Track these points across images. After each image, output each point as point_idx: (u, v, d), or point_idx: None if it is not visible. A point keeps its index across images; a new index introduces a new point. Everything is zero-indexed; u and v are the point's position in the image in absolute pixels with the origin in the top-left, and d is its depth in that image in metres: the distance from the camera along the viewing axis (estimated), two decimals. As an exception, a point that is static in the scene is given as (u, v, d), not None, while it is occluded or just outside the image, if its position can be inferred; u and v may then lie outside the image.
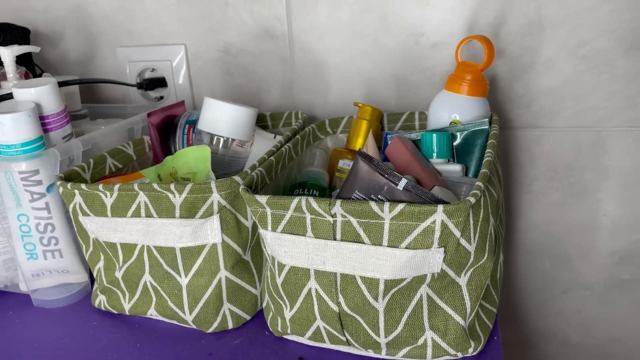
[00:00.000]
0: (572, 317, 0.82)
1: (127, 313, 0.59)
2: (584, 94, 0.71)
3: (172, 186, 0.50)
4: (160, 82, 0.85)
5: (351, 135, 0.67)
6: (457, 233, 0.43)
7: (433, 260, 0.43)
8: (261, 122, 0.76)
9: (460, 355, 0.48)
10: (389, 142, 0.55)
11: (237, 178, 0.51)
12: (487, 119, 0.56)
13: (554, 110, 0.73)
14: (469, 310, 0.47)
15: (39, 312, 0.62)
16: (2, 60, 0.67)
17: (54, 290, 0.64)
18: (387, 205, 0.42)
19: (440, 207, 0.41)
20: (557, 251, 0.79)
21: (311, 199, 0.44)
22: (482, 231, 0.46)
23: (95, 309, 0.62)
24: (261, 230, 0.48)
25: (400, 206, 0.41)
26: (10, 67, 0.68)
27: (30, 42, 0.80)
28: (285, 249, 0.47)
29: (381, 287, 0.45)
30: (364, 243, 0.44)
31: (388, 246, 0.43)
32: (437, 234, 0.42)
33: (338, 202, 0.43)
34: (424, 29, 0.73)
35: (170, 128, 0.72)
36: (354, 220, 0.44)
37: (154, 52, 0.84)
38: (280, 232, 0.47)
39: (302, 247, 0.46)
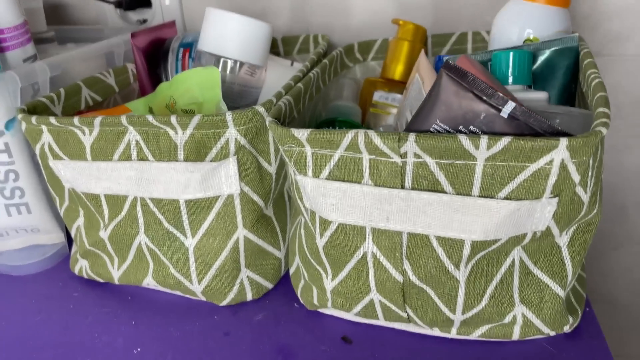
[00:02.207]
0: (621, 277, 0.73)
1: (116, 282, 0.47)
2: (661, 15, 0.59)
3: (173, 119, 0.38)
4: (143, 1, 0.70)
5: (389, 60, 0.54)
6: (577, 177, 0.31)
7: (541, 214, 0.32)
8: (272, 48, 0.62)
9: (553, 333, 0.38)
10: (452, 63, 0.42)
11: (259, 108, 0.39)
12: (576, 34, 0.44)
13: (624, 35, 0.61)
14: (570, 277, 0.36)
15: (4, 280, 0.50)
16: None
17: (22, 254, 0.51)
18: (484, 139, 0.30)
19: (564, 142, 0.29)
20: (612, 201, 0.69)
21: (372, 133, 0.32)
22: (597, 175, 0.34)
23: (75, 277, 0.50)
24: (299, 177, 0.36)
25: (505, 140, 0.29)
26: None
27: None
28: (332, 200, 0.35)
29: (466, 250, 0.33)
30: (444, 192, 0.32)
31: (480, 196, 0.32)
32: (552, 179, 0.30)
33: (412, 136, 0.31)
34: None
35: (159, 54, 0.58)
36: (432, 162, 0.32)
37: (135, -38, 0.68)
38: (326, 178, 0.35)
39: (356, 198, 0.34)
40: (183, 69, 0.56)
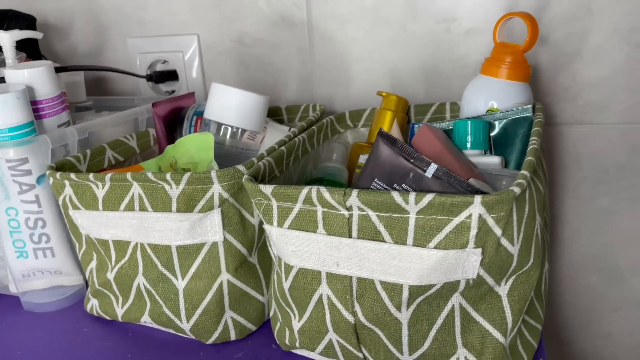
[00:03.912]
0: (624, 339, 0.73)
1: (119, 319, 0.53)
2: (638, 86, 0.63)
3: (168, 176, 0.44)
4: (171, 75, 0.80)
5: (374, 127, 0.60)
6: (498, 231, 0.35)
7: (468, 263, 0.36)
8: (276, 116, 0.70)
9: (498, 379, 0.40)
10: (416, 132, 0.48)
11: (241, 167, 0.45)
12: (530, 106, 0.49)
13: (604, 104, 0.64)
14: (510, 325, 0.39)
15: (28, 316, 0.57)
16: (1, 44, 0.63)
17: (45, 293, 0.58)
18: (412, 195, 0.35)
19: (478, 199, 0.34)
20: (607, 264, 0.70)
21: (323, 189, 0.37)
22: (527, 230, 0.38)
23: (87, 315, 0.56)
24: (266, 226, 0.42)
25: (429, 197, 0.34)
26: (9, 52, 0.63)
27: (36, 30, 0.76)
28: (292, 247, 0.40)
29: (405, 294, 0.37)
30: (384, 241, 0.37)
31: (414, 245, 0.36)
32: (473, 232, 0.35)
33: (354, 192, 0.36)
34: (456, 14, 0.66)
35: (177, 120, 0.66)
36: (373, 215, 0.37)
37: (166, 42, 0.79)
38: (288, 227, 0.40)
39: (312, 245, 0.39)
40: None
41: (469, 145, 0.48)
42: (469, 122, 0.48)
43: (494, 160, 0.47)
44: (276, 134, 0.62)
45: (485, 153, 0.48)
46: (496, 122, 0.49)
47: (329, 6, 0.70)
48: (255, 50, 0.76)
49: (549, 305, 0.74)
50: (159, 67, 0.81)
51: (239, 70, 0.77)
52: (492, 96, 0.52)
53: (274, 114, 0.70)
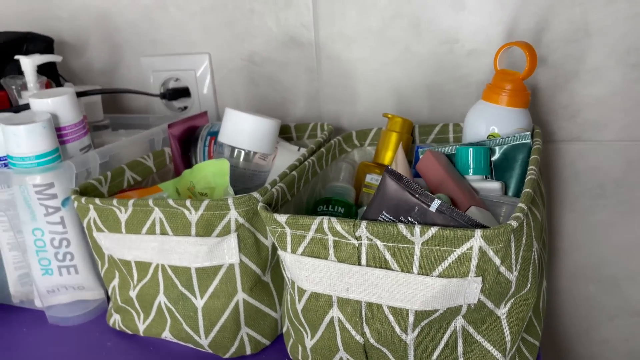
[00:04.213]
0: (620, 346, 0.76)
1: (141, 334, 0.56)
2: (634, 105, 0.65)
3: (187, 202, 0.47)
4: (184, 92, 0.83)
5: (380, 148, 0.63)
6: (497, 261, 0.38)
7: (469, 290, 0.39)
8: (285, 134, 0.73)
9: (499, 394, 0.43)
10: (421, 157, 0.50)
11: (256, 194, 0.48)
12: (528, 132, 0.52)
13: (601, 123, 0.67)
14: (509, 345, 0.42)
15: (53, 329, 0.60)
16: (23, 69, 0.66)
17: (69, 307, 0.61)
18: (417, 228, 0.37)
19: (479, 232, 0.36)
20: (604, 275, 0.73)
21: (334, 220, 0.40)
22: (525, 258, 0.41)
23: (110, 328, 0.59)
24: (280, 252, 0.45)
25: (433, 230, 0.37)
26: (31, 76, 0.66)
27: (54, 52, 0.79)
28: (305, 273, 0.43)
29: (411, 318, 0.40)
30: (392, 269, 0.40)
31: (419, 274, 0.39)
32: (474, 262, 0.38)
33: (363, 223, 0.39)
34: (459, 36, 0.68)
35: (191, 139, 0.69)
36: (380, 244, 0.40)
37: (178, 61, 0.82)
38: (301, 254, 0.43)
39: (323, 271, 0.42)
40: (209, 153, 0.67)
41: (471, 171, 0.51)
42: (470, 149, 0.51)
43: (495, 185, 0.49)
44: (286, 153, 0.64)
45: (486, 178, 0.51)
46: (497, 148, 0.52)
47: (336, 27, 0.73)
48: (264, 68, 0.79)
49: (548, 314, 0.77)
50: (172, 85, 0.84)
51: (249, 87, 0.80)
52: (493, 122, 0.54)
53: (283, 132, 0.73)
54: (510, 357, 0.43)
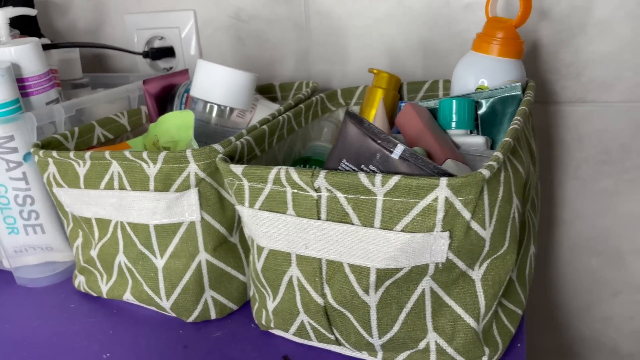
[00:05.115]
0: (624, 324, 0.71)
1: (104, 296, 0.54)
2: (645, 62, 0.60)
3: (144, 154, 0.44)
4: (169, 52, 0.80)
5: (364, 105, 0.59)
6: (467, 214, 0.34)
7: (436, 246, 0.35)
8: (270, 93, 0.69)
9: (472, 364, 0.39)
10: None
11: (217, 146, 0.44)
12: (519, 83, 0.47)
13: (608, 82, 0.62)
14: (482, 310, 0.38)
15: (21, 291, 0.58)
16: (-6, 22, 0.63)
17: (38, 269, 0.59)
18: (379, 177, 0.34)
19: (444, 181, 0.32)
20: (607, 247, 0.68)
21: (292, 170, 0.36)
22: (502, 214, 0.37)
23: (76, 291, 0.57)
24: (238, 207, 0.41)
25: (395, 179, 0.33)
26: (2, 29, 0.63)
27: (34, 8, 0.76)
28: (263, 228, 0.40)
29: (372, 277, 0.37)
30: (352, 224, 0.36)
31: (381, 228, 0.35)
32: (440, 215, 0.34)
33: (322, 173, 0.35)
34: (455, -13, 0.63)
35: (169, 98, 0.66)
36: (341, 196, 0.36)
37: (162, 18, 0.78)
38: (258, 208, 0.40)
39: (281, 226, 0.39)
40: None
41: (453, 124, 0.46)
42: (453, 100, 0.46)
43: (478, 140, 0.45)
44: (266, 111, 0.61)
45: (471, 133, 0.47)
46: (483, 101, 0.48)
47: (325, -20, 0.68)
48: (251, 26, 0.74)
49: (547, 288, 0.73)
50: (157, 44, 0.80)
51: (236, 46, 0.76)
52: (482, 73, 0.50)
53: (267, 91, 0.69)
54: (485, 323, 0.39)
